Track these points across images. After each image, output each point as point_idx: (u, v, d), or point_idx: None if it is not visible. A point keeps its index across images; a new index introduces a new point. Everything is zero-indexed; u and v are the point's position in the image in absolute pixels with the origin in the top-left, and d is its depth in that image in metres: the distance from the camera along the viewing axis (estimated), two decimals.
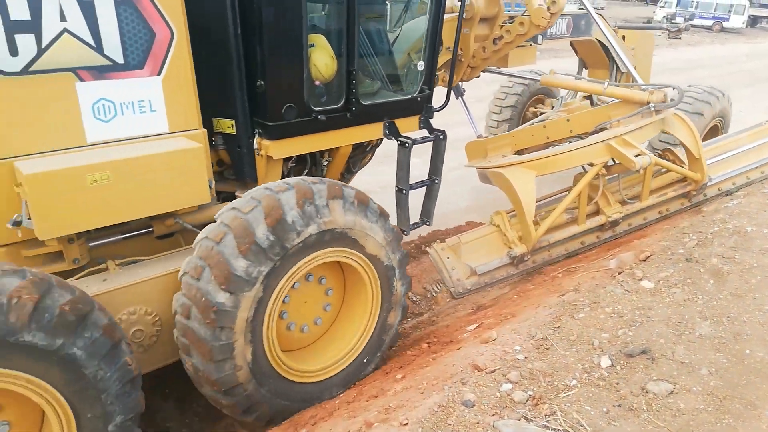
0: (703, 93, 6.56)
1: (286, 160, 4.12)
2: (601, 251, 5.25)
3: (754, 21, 39.44)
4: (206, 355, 3.14)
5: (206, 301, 3.08)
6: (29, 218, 2.95)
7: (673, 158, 5.52)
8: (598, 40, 6.82)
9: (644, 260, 4.26)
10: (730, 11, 36.02)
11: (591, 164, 4.92)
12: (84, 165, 2.98)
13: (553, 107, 7.86)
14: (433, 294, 5.99)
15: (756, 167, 5.93)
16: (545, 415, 2.65)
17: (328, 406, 3.57)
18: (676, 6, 37.19)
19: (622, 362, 3.03)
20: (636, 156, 4.61)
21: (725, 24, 35.84)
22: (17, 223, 2.99)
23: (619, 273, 4.09)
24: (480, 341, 3.53)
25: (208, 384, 3.25)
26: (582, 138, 5.48)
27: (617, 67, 6.98)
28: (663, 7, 37.96)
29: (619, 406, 2.73)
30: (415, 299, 5.81)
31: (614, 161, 5.02)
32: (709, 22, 36.02)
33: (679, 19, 32.22)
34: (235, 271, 3.08)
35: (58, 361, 2.61)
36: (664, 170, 5.50)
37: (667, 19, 31.93)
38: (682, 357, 3.05)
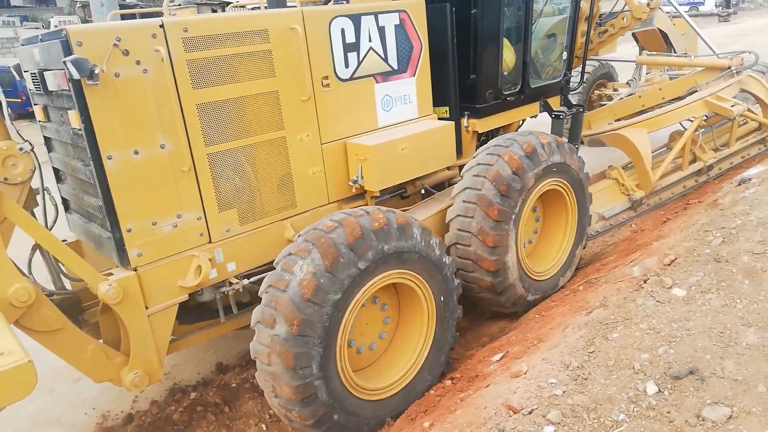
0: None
1: (479, 134, 5.44)
2: (620, 257, 5.21)
3: (727, 3, 41.53)
4: (491, 269, 4.41)
5: (485, 231, 4.34)
6: (362, 178, 4.26)
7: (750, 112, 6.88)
8: (659, 29, 8.24)
9: (669, 264, 3.95)
10: None
11: (690, 120, 6.29)
12: (397, 138, 4.31)
13: (615, 90, 9.30)
14: None
15: None
16: None
17: None
18: None
19: (669, 386, 2.74)
20: (732, 106, 5.98)
21: (700, 8, 37.76)
22: (355, 181, 4.29)
23: (645, 281, 3.79)
24: (510, 375, 3.30)
25: (488, 289, 4.52)
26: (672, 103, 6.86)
27: (674, 49, 8.42)
28: None
29: None
30: None
31: (707, 117, 6.39)
32: (685, 8, 37.98)
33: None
34: (501, 206, 4.37)
35: (423, 259, 3.84)
36: (743, 122, 6.87)
37: (717, 5, 34.71)
38: (734, 373, 2.74)
